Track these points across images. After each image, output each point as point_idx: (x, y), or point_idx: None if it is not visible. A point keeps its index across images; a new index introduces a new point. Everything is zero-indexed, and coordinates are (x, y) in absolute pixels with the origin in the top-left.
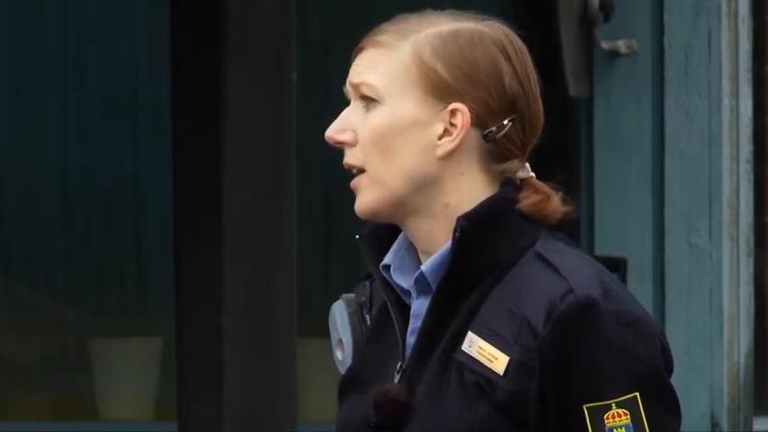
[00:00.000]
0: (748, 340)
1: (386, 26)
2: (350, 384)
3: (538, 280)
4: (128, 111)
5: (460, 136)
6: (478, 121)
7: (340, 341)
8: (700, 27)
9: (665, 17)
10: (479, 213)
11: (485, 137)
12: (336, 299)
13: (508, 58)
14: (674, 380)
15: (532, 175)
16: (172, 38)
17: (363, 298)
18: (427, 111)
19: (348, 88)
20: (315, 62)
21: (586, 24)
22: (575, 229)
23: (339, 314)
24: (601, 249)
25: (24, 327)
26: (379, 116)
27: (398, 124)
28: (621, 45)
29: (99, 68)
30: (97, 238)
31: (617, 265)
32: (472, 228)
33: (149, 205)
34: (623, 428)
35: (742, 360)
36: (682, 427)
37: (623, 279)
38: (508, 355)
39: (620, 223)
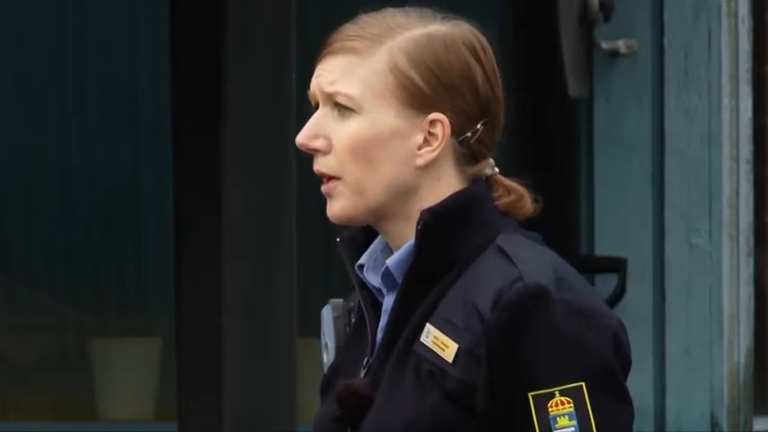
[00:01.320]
0: (748, 340)
1: (353, 29)
2: (328, 384)
3: (491, 269)
4: (128, 111)
5: (441, 146)
6: (456, 129)
7: (326, 345)
8: (700, 27)
9: (665, 17)
10: (443, 207)
11: (460, 142)
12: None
13: (479, 60)
14: (674, 380)
15: (497, 170)
16: (172, 38)
17: (353, 303)
18: (406, 121)
19: (315, 93)
20: (315, 62)
21: (586, 24)
22: (575, 229)
23: (326, 318)
24: (601, 249)
25: (24, 327)
26: (356, 126)
27: (378, 135)
28: (621, 45)
29: (99, 68)
30: (97, 238)
31: (617, 265)
32: (435, 221)
33: (149, 205)
34: (566, 416)
35: (742, 360)
36: (682, 428)
37: (623, 279)
38: (458, 342)
39: (620, 223)
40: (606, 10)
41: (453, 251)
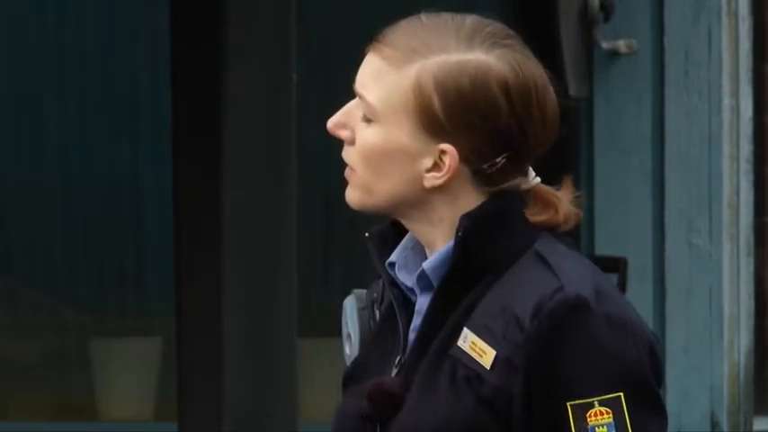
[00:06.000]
0: (748, 340)
1: (397, 34)
2: (351, 377)
3: (531, 277)
4: (128, 111)
5: (447, 176)
6: (468, 162)
7: (348, 336)
8: (700, 27)
9: (665, 17)
10: (482, 212)
11: (475, 173)
12: (347, 294)
13: (508, 97)
14: (674, 380)
15: (537, 180)
16: (172, 38)
17: (376, 294)
18: (418, 144)
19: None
20: (315, 62)
21: (586, 24)
22: (575, 229)
23: (350, 309)
24: (601, 249)
25: (24, 327)
26: (372, 134)
27: (388, 150)
28: (621, 45)
29: (99, 69)
30: (97, 238)
31: (617, 265)
32: (475, 227)
33: (149, 205)
34: (605, 427)
35: (742, 360)
36: (682, 428)
37: (623, 279)
38: (496, 349)
39: (620, 223)
40: (606, 10)
41: (492, 256)
